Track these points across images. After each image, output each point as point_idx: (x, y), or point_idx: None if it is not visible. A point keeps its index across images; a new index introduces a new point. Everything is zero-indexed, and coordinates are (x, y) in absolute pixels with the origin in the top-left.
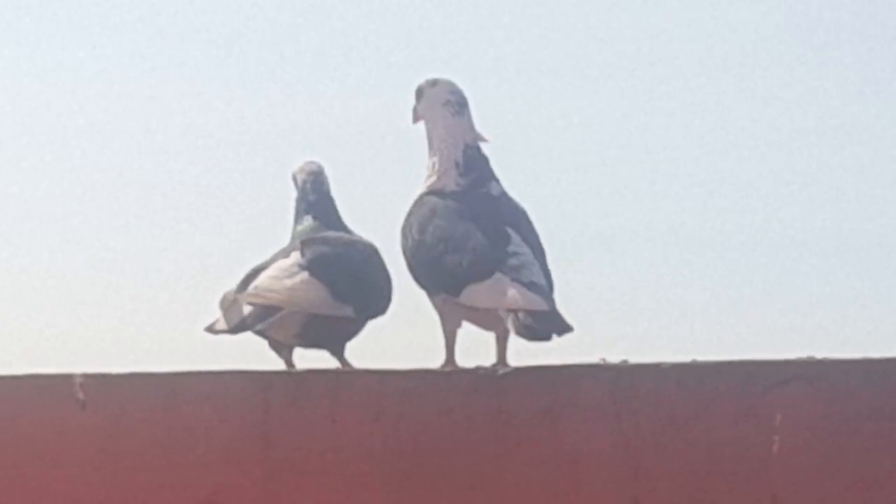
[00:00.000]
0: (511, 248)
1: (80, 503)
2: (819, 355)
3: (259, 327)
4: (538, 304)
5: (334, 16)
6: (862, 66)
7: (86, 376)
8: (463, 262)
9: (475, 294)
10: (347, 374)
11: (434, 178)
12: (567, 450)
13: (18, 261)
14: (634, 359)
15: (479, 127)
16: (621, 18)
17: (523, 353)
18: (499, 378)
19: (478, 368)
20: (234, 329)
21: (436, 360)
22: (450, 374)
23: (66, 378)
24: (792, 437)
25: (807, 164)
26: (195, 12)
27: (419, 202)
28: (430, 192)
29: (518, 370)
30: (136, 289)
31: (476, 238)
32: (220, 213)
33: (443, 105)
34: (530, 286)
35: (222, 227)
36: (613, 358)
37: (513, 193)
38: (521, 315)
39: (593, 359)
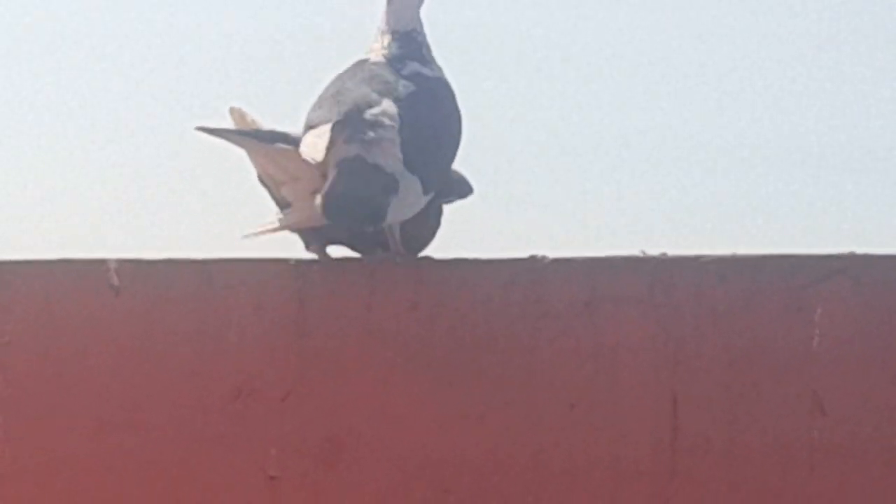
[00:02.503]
0: (368, 116)
1: (113, 388)
2: (861, 250)
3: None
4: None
5: None
6: None
7: (120, 262)
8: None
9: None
10: (384, 263)
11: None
12: (605, 342)
13: (56, 144)
14: (674, 252)
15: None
16: None
17: (562, 245)
18: (538, 268)
19: (517, 259)
20: None
21: (473, 250)
22: (488, 263)
23: (100, 263)
24: (833, 332)
25: (852, 65)
26: None
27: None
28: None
29: (556, 261)
30: (173, 173)
31: (344, 97)
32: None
33: None
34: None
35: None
36: (653, 250)
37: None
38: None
39: (633, 251)
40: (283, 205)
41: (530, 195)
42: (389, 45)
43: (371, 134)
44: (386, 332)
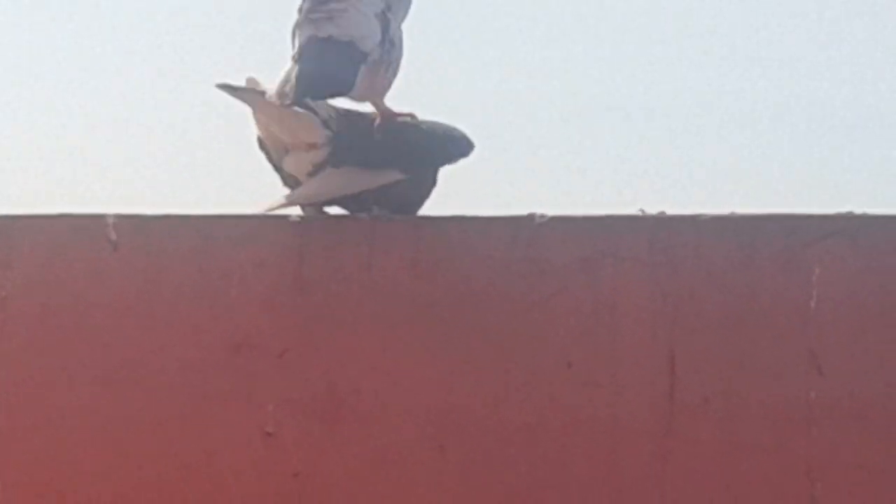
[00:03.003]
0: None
1: (112, 344)
2: (859, 210)
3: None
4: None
5: None
6: None
7: (118, 217)
8: None
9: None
10: (384, 221)
11: None
12: (604, 300)
13: (55, 97)
14: (673, 210)
15: None
16: None
17: (561, 203)
18: (536, 226)
19: (516, 216)
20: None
21: (473, 208)
22: (487, 221)
23: (99, 218)
24: (831, 291)
25: (850, 23)
26: None
27: None
28: None
29: (555, 219)
30: (173, 129)
31: None
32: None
33: None
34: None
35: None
36: (651, 209)
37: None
38: None
39: (632, 209)
40: (283, 174)
41: (530, 153)
42: None
43: (327, 9)
44: (385, 290)
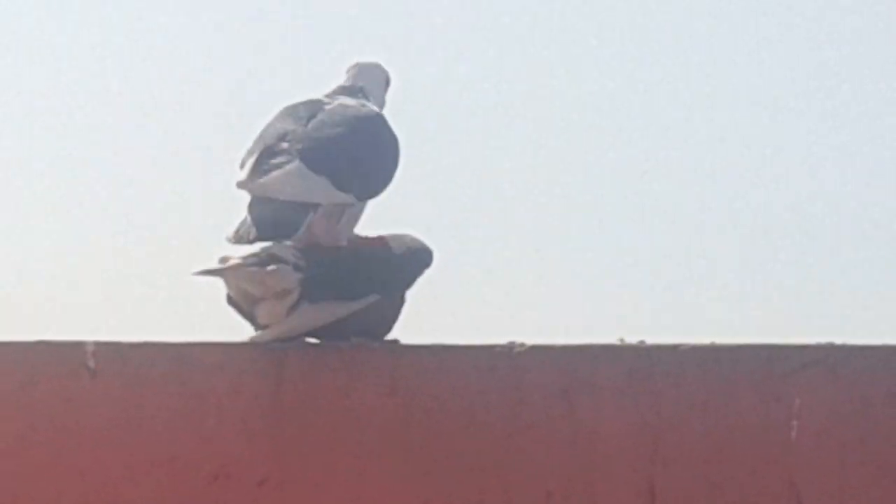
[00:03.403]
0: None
1: (90, 472)
2: (839, 341)
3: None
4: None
5: None
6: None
7: (97, 344)
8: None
9: None
10: (362, 348)
11: None
12: (583, 431)
13: (33, 225)
14: (653, 340)
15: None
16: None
17: (540, 332)
18: (515, 356)
19: (494, 345)
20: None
21: (451, 336)
22: (466, 349)
23: (78, 346)
24: (811, 422)
25: (827, 146)
26: None
27: None
28: None
29: (535, 348)
30: (150, 255)
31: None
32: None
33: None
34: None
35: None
36: (631, 339)
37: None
38: None
39: (611, 339)
40: (256, 324)
41: (509, 281)
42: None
43: (271, 164)
44: (363, 418)
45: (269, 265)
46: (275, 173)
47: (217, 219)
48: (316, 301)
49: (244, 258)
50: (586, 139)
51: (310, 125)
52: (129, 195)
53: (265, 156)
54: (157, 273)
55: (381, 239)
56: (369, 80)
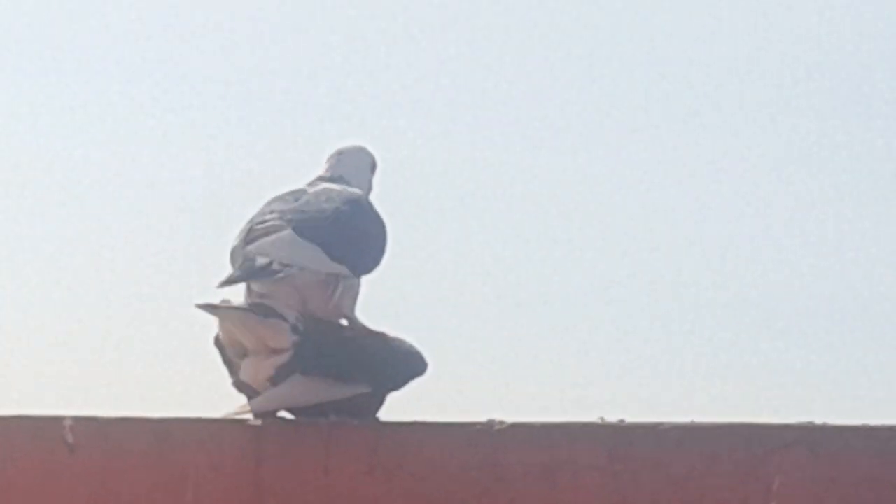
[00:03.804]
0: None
1: None
2: (819, 420)
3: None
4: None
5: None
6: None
7: (76, 419)
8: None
9: None
10: (341, 426)
11: None
12: None
13: (8, 297)
14: (633, 418)
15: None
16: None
17: (520, 410)
18: (495, 433)
19: (475, 423)
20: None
21: (430, 414)
22: (445, 427)
23: (56, 420)
24: (790, 502)
25: (807, 228)
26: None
27: None
28: None
29: (515, 426)
30: (127, 331)
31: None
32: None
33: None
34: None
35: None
36: (611, 417)
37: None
38: None
39: (591, 417)
40: (235, 378)
41: (489, 358)
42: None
43: (260, 229)
44: (343, 495)
45: (269, 318)
46: (265, 239)
47: (202, 289)
48: (308, 373)
49: (247, 304)
50: (568, 215)
51: (298, 202)
52: (109, 265)
53: (255, 227)
54: (136, 347)
55: (382, 334)
56: (351, 167)
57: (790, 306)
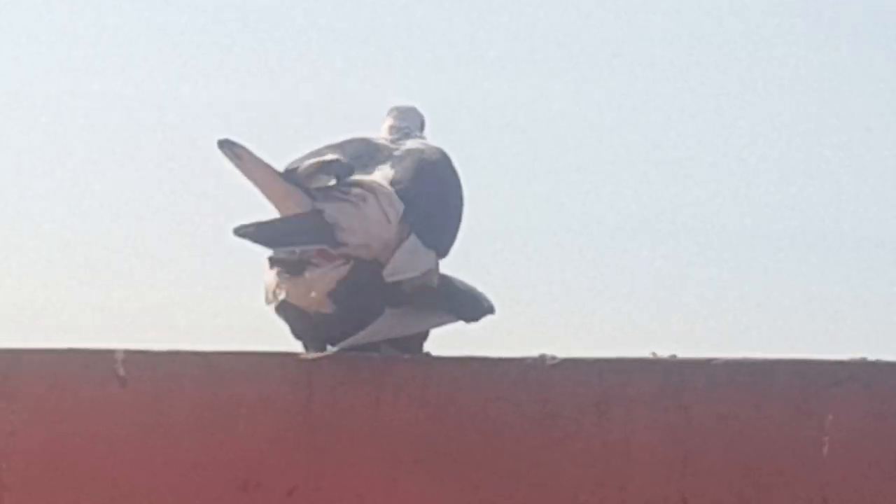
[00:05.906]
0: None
1: (119, 480)
2: (872, 357)
3: None
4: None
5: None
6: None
7: (127, 352)
8: None
9: None
10: (393, 360)
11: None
12: (615, 443)
13: (62, 234)
14: (684, 354)
15: None
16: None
17: (572, 345)
18: (547, 368)
19: (526, 358)
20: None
21: (482, 348)
22: (497, 362)
23: (108, 354)
24: (842, 438)
25: (866, 161)
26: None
27: None
28: None
29: (566, 361)
30: (180, 263)
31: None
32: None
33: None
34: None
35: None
36: (663, 352)
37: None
38: None
39: (644, 352)
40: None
41: (542, 293)
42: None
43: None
44: (394, 428)
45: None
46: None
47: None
48: (399, 305)
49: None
50: (615, 148)
51: (404, 168)
52: (162, 199)
53: (343, 184)
54: (188, 280)
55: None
56: (413, 123)
57: (846, 242)
